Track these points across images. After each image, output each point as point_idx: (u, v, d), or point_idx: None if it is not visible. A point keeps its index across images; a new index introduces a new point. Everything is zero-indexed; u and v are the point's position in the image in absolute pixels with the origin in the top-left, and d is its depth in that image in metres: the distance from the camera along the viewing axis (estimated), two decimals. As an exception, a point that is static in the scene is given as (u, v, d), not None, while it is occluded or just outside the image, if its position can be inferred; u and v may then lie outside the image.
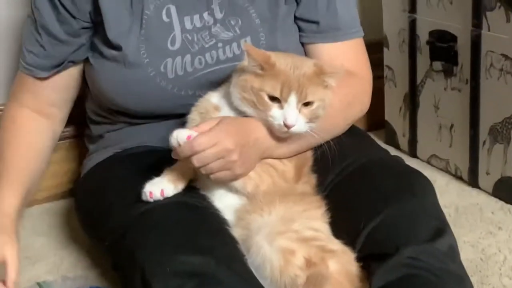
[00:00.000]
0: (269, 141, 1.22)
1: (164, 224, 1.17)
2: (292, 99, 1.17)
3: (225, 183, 1.21)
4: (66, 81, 1.42)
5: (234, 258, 1.16)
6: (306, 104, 1.19)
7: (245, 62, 1.20)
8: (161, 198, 1.20)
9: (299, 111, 1.18)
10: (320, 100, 1.20)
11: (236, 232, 1.21)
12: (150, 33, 1.31)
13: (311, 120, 1.20)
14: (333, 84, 1.21)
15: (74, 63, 1.39)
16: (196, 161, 1.14)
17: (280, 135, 1.21)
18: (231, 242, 1.19)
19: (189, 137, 1.14)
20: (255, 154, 1.21)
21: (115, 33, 1.31)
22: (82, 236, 1.51)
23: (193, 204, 1.21)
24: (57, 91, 1.43)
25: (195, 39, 1.33)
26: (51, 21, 1.34)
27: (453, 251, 1.18)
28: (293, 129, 1.18)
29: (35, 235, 1.65)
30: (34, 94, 1.41)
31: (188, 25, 1.32)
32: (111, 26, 1.31)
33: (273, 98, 1.18)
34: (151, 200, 1.20)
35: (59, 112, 1.46)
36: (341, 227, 1.23)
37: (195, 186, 1.24)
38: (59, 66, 1.38)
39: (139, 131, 1.41)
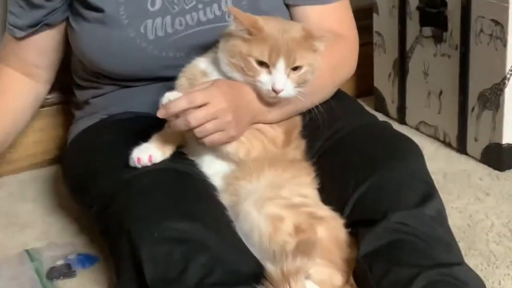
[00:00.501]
0: (259, 105, 1.21)
1: (152, 190, 1.16)
2: (281, 64, 1.16)
3: (218, 147, 1.20)
4: (47, 44, 1.43)
5: (222, 224, 1.16)
6: (295, 68, 1.18)
7: (232, 27, 1.18)
8: (149, 164, 1.19)
9: (288, 76, 1.17)
10: (309, 64, 1.19)
11: (224, 199, 1.21)
12: None
13: (299, 84, 1.19)
14: (321, 49, 1.21)
15: (49, 25, 1.39)
16: (192, 120, 1.12)
17: (269, 100, 1.21)
18: (219, 208, 1.19)
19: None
20: (247, 116, 1.20)
21: None
22: (69, 203, 1.51)
23: (181, 170, 1.20)
24: (39, 53, 1.43)
25: (175, 0, 1.31)
26: None
27: (441, 216, 1.18)
28: (281, 94, 1.18)
29: (22, 202, 1.64)
30: (17, 55, 1.43)
31: None
32: None
33: (261, 63, 1.17)
34: (139, 166, 1.19)
35: (44, 73, 1.47)
36: (330, 193, 1.23)
37: (184, 152, 1.24)
38: (35, 27, 1.38)
39: (125, 96, 1.40)
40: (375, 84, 2.03)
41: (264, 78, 1.17)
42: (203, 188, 1.20)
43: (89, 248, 1.44)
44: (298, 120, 1.30)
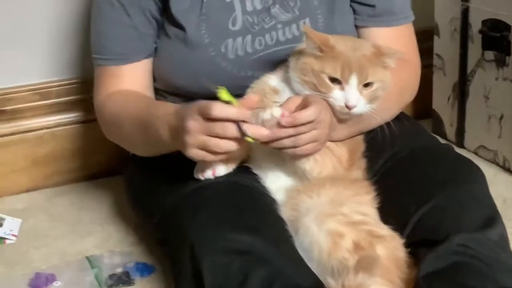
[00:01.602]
0: (335, 122, 1.22)
1: (214, 202, 1.18)
2: (353, 80, 1.17)
3: (294, 163, 1.20)
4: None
5: (282, 238, 1.17)
6: (366, 85, 1.19)
7: (304, 45, 1.20)
8: (212, 177, 1.21)
9: (360, 92, 1.18)
10: (380, 81, 1.20)
11: (285, 213, 1.22)
12: (211, 13, 1.32)
13: (370, 101, 1.20)
14: (392, 65, 1.21)
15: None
16: (303, 128, 1.11)
17: (342, 116, 1.22)
18: (280, 222, 1.20)
19: (283, 115, 1.12)
20: (330, 132, 1.21)
21: (177, 8, 1.32)
22: (129, 213, 1.54)
23: (244, 183, 1.22)
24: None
25: (255, 20, 1.33)
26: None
27: (503, 241, 1.17)
28: (354, 110, 1.19)
29: (83, 210, 1.68)
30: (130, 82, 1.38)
31: (249, 6, 1.32)
32: (174, 1, 1.31)
33: (334, 80, 1.18)
34: (203, 178, 1.21)
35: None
36: (390, 213, 1.23)
37: (248, 166, 1.25)
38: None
39: None
40: (433, 107, 2.02)
41: (337, 94, 1.19)
42: (264, 202, 1.22)
43: (147, 258, 1.46)
44: (361, 140, 1.30)
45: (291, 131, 1.12)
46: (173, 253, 1.22)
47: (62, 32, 1.75)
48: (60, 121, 1.79)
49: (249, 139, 1.10)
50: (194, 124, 1.10)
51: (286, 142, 1.14)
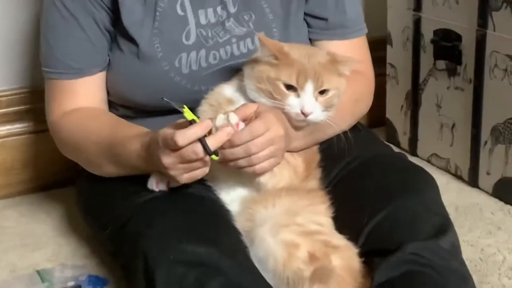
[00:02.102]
0: (291, 131, 1.23)
1: (168, 213, 1.18)
2: (309, 87, 1.18)
3: (246, 176, 1.20)
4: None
5: (238, 249, 1.17)
6: (322, 92, 1.20)
7: (258, 53, 1.21)
8: (166, 188, 1.21)
9: (316, 99, 1.19)
10: (336, 88, 1.21)
11: (240, 223, 1.22)
12: (164, 27, 1.31)
13: (326, 108, 1.21)
14: (346, 73, 1.23)
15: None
16: (253, 147, 1.13)
17: (297, 124, 1.22)
18: (235, 233, 1.20)
19: (237, 124, 1.13)
20: (287, 143, 1.21)
21: (129, 21, 1.31)
22: (81, 225, 1.53)
23: (198, 194, 1.22)
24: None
25: (210, 34, 1.33)
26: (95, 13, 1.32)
27: (455, 249, 1.20)
28: (310, 117, 1.19)
29: (34, 223, 1.66)
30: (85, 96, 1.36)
31: (202, 20, 1.32)
32: (125, 13, 1.31)
33: (290, 87, 1.19)
34: (157, 189, 1.21)
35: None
36: (344, 222, 1.24)
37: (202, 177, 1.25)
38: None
39: (144, 125, 1.40)
40: (387, 115, 2.05)
41: (293, 101, 1.19)
42: (219, 213, 1.22)
43: (99, 270, 1.45)
44: (316, 150, 1.32)
45: (241, 152, 1.13)
46: (127, 265, 1.21)
47: (12, 41, 1.73)
48: (10, 131, 1.76)
49: (214, 157, 1.11)
50: (168, 159, 1.12)
51: (241, 162, 1.15)
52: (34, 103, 1.74)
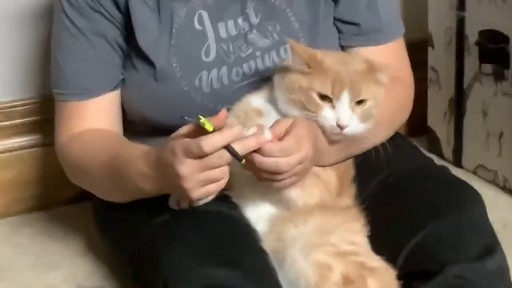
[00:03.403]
0: (325, 145, 1.21)
1: (190, 233, 1.17)
2: (345, 97, 1.16)
3: (277, 193, 1.19)
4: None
5: (264, 272, 1.16)
6: (359, 102, 1.18)
7: (289, 61, 1.19)
8: (188, 207, 1.20)
9: (352, 110, 1.17)
10: (374, 98, 1.19)
11: (268, 244, 1.21)
12: (181, 44, 1.29)
13: (363, 120, 1.19)
14: (385, 81, 1.21)
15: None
16: (284, 166, 1.11)
17: (333, 137, 1.21)
18: (261, 254, 1.19)
19: (271, 140, 1.12)
20: (317, 160, 1.20)
21: (145, 41, 1.29)
22: (99, 244, 1.53)
23: (222, 213, 1.21)
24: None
25: (231, 48, 1.31)
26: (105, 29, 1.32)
27: (503, 272, 1.18)
28: (346, 130, 1.18)
29: (50, 241, 1.66)
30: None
31: (222, 33, 1.31)
32: (140, 32, 1.29)
33: (324, 97, 1.17)
34: (177, 208, 1.20)
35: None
36: (381, 242, 1.22)
37: (227, 194, 1.24)
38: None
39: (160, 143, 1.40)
40: (428, 123, 2.02)
41: (328, 113, 1.17)
42: (245, 233, 1.21)
43: (119, 293, 1.46)
44: (351, 164, 1.30)
45: (271, 166, 1.11)
46: (146, 288, 1.21)
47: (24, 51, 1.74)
48: (25, 143, 1.77)
49: (243, 161, 1.10)
50: (186, 168, 1.09)
51: (265, 174, 1.13)
52: (47, 114, 1.74)
